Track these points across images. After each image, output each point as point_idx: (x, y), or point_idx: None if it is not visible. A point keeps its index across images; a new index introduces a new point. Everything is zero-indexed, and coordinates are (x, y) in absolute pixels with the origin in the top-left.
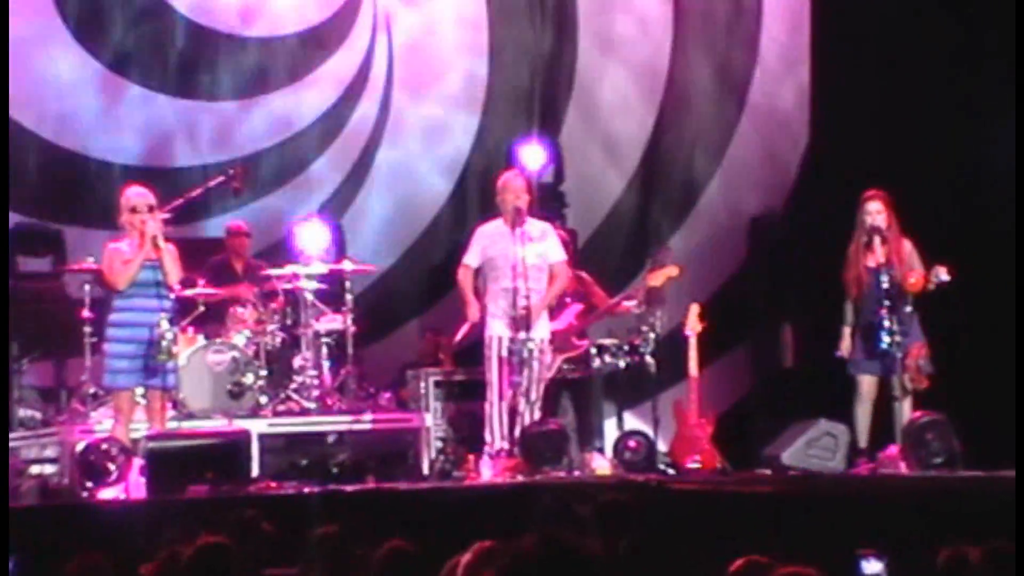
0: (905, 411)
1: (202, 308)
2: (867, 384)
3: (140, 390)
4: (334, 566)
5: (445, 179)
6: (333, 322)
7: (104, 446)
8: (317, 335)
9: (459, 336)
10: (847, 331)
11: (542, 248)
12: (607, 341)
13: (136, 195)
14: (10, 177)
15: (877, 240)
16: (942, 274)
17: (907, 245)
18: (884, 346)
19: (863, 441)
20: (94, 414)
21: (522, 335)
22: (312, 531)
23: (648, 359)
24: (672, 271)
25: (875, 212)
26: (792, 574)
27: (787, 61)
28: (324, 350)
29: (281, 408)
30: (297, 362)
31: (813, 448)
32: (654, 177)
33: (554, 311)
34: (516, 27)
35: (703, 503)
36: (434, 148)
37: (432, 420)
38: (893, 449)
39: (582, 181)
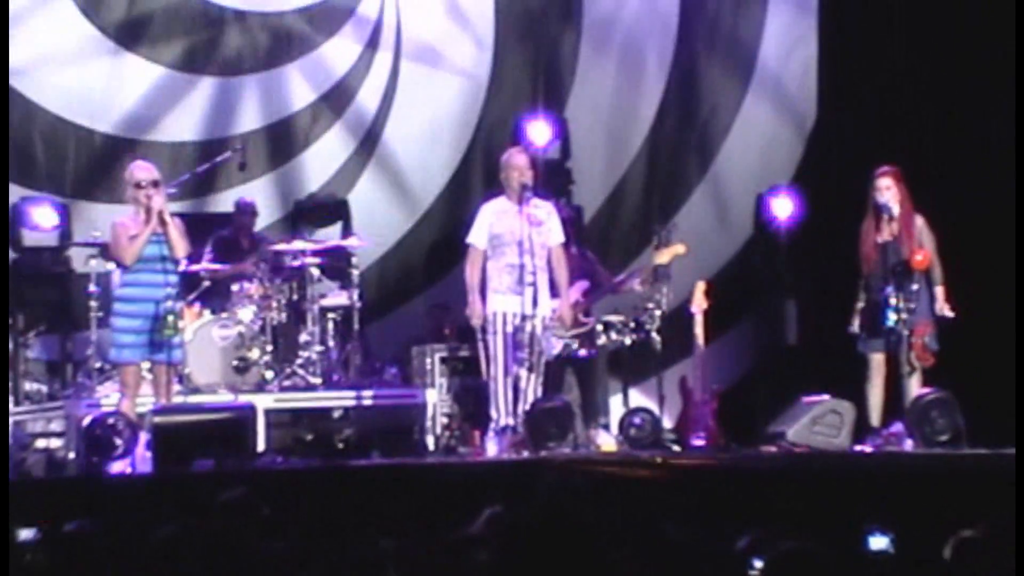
0: (912, 388)
1: (207, 283)
2: (876, 361)
3: (146, 364)
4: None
5: (450, 155)
6: (339, 297)
7: (110, 420)
8: (323, 310)
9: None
10: (858, 307)
11: (546, 228)
12: (612, 318)
13: (140, 170)
14: (17, 151)
15: (884, 217)
16: (946, 311)
17: (919, 221)
18: (890, 323)
19: (875, 419)
20: (100, 388)
21: (527, 311)
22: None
23: (653, 336)
24: (678, 249)
25: (883, 188)
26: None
27: (794, 35)
28: (330, 325)
29: (287, 383)
30: (303, 337)
31: (818, 425)
32: (660, 154)
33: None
34: (521, 1)
35: (708, 480)
36: (439, 124)
37: (437, 396)
38: (898, 426)
39: (588, 157)
